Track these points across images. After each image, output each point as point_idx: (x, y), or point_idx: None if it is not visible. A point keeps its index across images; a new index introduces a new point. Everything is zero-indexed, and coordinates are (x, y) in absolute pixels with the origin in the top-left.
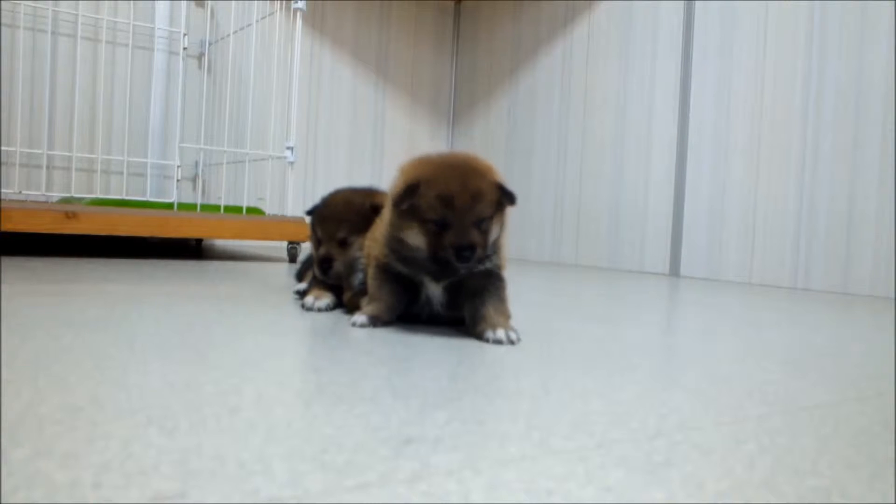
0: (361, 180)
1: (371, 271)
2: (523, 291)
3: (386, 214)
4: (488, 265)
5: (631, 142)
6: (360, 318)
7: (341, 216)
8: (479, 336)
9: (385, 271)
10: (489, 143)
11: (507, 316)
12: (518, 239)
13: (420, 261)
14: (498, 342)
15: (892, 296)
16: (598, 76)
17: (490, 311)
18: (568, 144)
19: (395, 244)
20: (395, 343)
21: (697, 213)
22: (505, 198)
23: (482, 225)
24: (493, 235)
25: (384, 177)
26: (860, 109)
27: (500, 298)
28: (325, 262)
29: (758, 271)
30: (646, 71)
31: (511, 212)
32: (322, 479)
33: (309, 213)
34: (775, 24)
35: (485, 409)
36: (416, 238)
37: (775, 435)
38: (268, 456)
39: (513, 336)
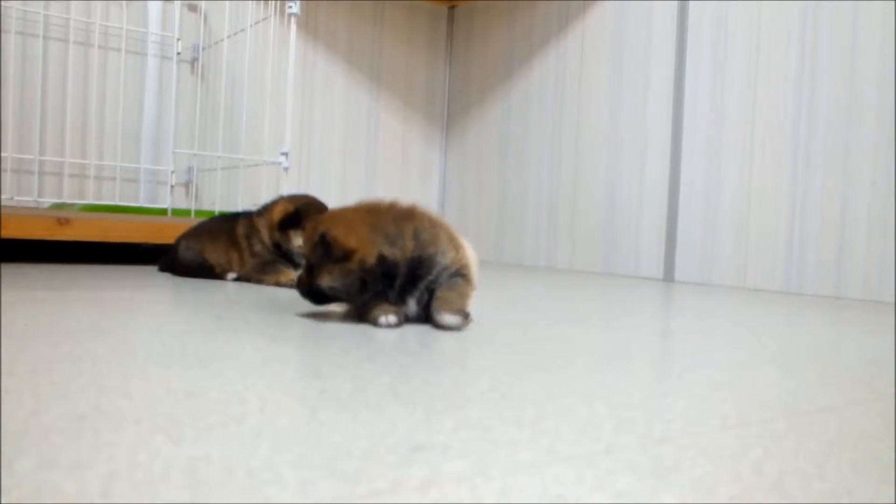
0: (355, 186)
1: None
2: (521, 297)
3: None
4: (435, 274)
5: (625, 146)
6: (390, 318)
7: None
8: (435, 320)
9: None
10: (483, 148)
11: (461, 294)
12: (513, 244)
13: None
14: (450, 327)
15: (884, 299)
16: (591, 80)
17: (446, 294)
18: (562, 149)
19: None
20: (395, 350)
21: (692, 218)
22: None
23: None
24: (323, 281)
25: (378, 182)
26: (853, 113)
27: (450, 284)
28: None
29: (751, 276)
30: (639, 74)
31: (509, 216)
32: (333, 486)
33: (291, 218)
34: (768, 28)
35: (491, 415)
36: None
37: (780, 439)
38: (277, 464)
39: (458, 321)
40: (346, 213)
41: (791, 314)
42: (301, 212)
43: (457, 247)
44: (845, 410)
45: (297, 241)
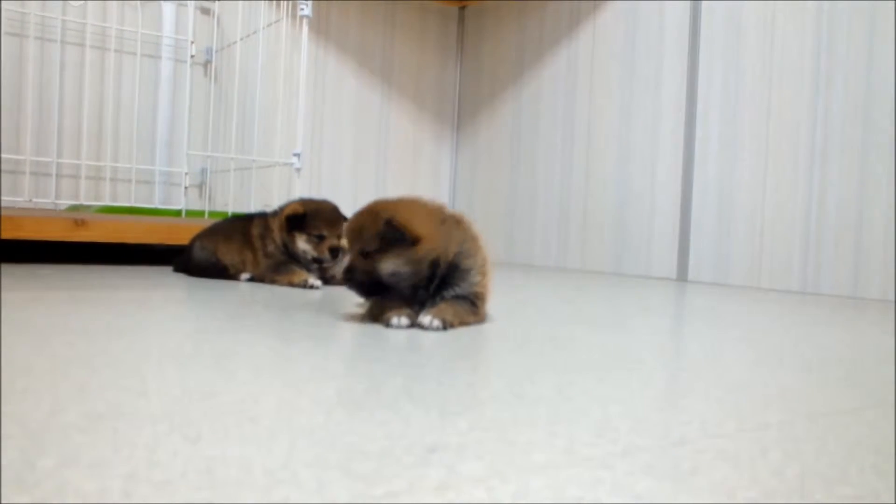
0: (366, 185)
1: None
2: (532, 298)
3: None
4: (457, 290)
5: (637, 146)
6: (402, 319)
7: (339, 218)
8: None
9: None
10: (493, 148)
11: (458, 314)
12: (524, 245)
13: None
14: (429, 327)
15: None
16: (603, 78)
17: (442, 305)
18: (573, 149)
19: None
20: (407, 350)
21: (705, 217)
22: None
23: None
24: (386, 267)
25: (389, 181)
26: (869, 111)
27: (459, 305)
28: (336, 251)
29: (766, 276)
30: (651, 73)
31: (520, 217)
32: (350, 487)
33: (295, 219)
34: (782, 25)
35: (505, 416)
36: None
37: (800, 442)
38: (293, 464)
39: (437, 323)
40: (405, 203)
41: (807, 314)
42: (308, 214)
43: (485, 272)
44: (866, 413)
45: (301, 243)
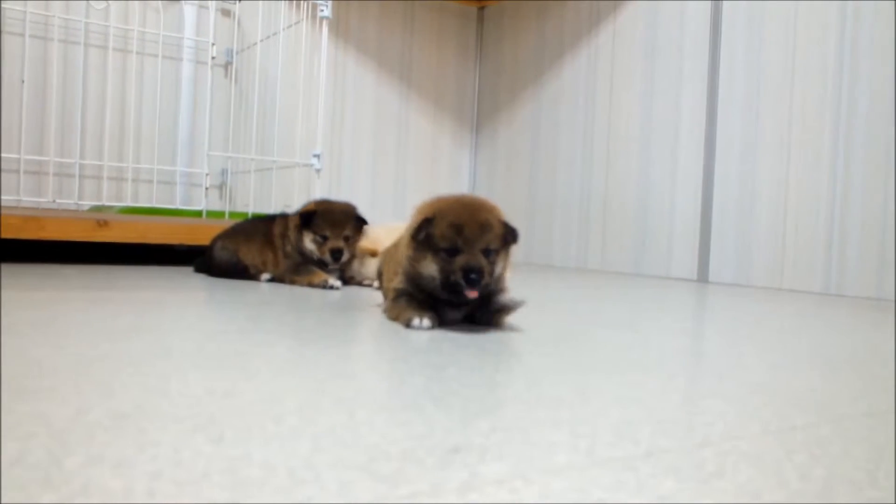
0: (385, 186)
1: (391, 296)
2: (552, 299)
3: (403, 248)
4: (496, 305)
5: (657, 146)
6: (422, 321)
7: (346, 221)
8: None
9: (408, 294)
10: (513, 149)
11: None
12: (544, 245)
13: (435, 291)
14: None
15: None
16: (623, 78)
17: (500, 306)
18: (593, 149)
19: (412, 276)
20: (429, 351)
21: (726, 218)
22: (509, 235)
23: (489, 255)
24: (497, 269)
25: (408, 183)
26: (893, 112)
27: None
28: (337, 253)
29: (788, 277)
30: (672, 72)
31: (540, 217)
32: (373, 488)
33: (305, 216)
34: (805, 22)
35: (527, 417)
36: (429, 267)
37: (826, 444)
38: (316, 464)
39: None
40: (489, 202)
41: (831, 316)
42: (317, 214)
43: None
44: (890, 416)
45: (308, 242)
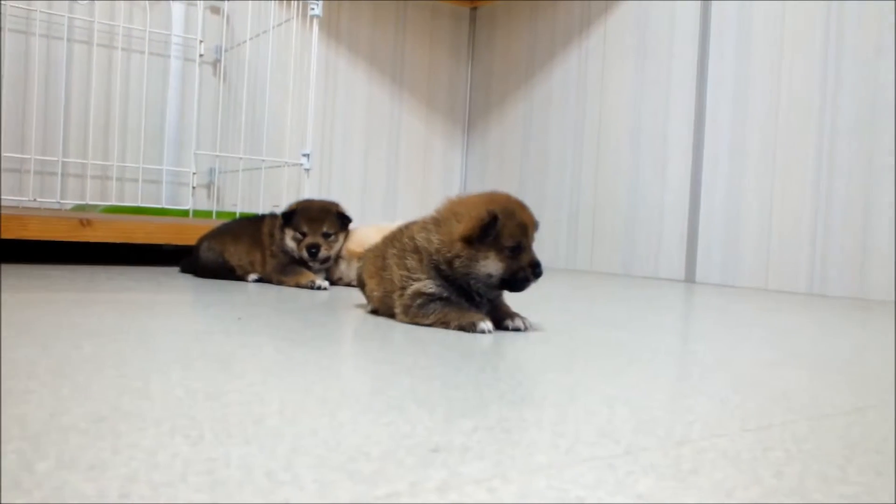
0: (376, 186)
1: (415, 301)
2: (540, 298)
3: (425, 248)
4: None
5: (647, 147)
6: (486, 325)
7: (324, 217)
8: (502, 326)
9: (439, 298)
10: (504, 149)
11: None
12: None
13: (482, 289)
14: (516, 329)
15: None
16: (614, 80)
17: (506, 307)
18: (583, 150)
19: (460, 275)
20: (416, 352)
21: (713, 219)
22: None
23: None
24: None
25: (399, 183)
26: (877, 113)
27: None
28: (313, 248)
29: (774, 277)
30: (662, 74)
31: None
32: (351, 488)
33: (286, 215)
34: (792, 27)
35: (510, 417)
36: (492, 265)
37: (802, 442)
38: (295, 465)
39: (527, 323)
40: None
41: (814, 316)
42: (296, 212)
43: None
44: (868, 413)
45: (288, 240)
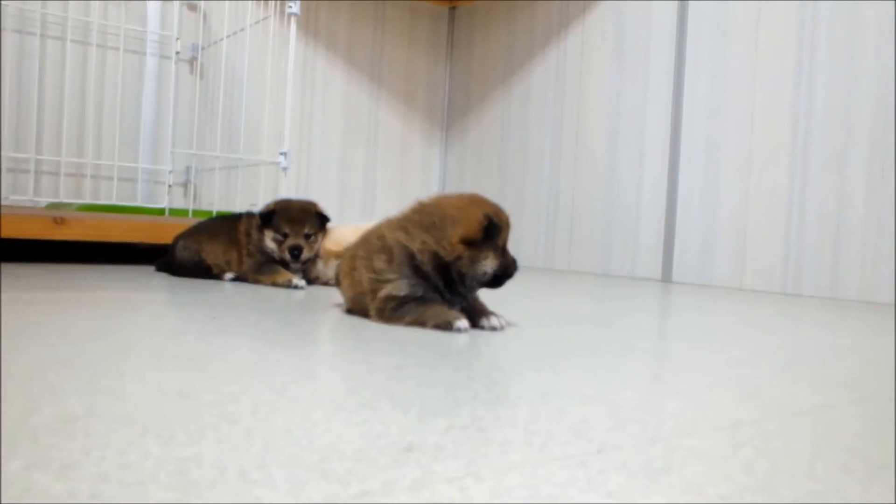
0: (354, 185)
1: (388, 304)
2: (517, 298)
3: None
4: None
5: (624, 147)
6: (462, 323)
7: (305, 218)
8: (478, 325)
9: (413, 299)
10: (483, 148)
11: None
12: (511, 244)
13: (475, 286)
14: (493, 328)
15: (880, 300)
16: (591, 81)
17: (482, 305)
18: (561, 149)
19: (465, 274)
20: (392, 351)
21: (690, 220)
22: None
23: None
24: None
25: (378, 182)
26: (850, 114)
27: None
28: (295, 250)
29: (749, 277)
30: (640, 74)
31: (510, 214)
32: (324, 487)
33: (264, 216)
34: (767, 30)
35: (484, 416)
36: (491, 264)
37: (772, 439)
38: (268, 464)
39: (503, 322)
40: None
41: (787, 315)
42: (276, 212)
43: None
44: (837, 411)
45: (269, 241)
